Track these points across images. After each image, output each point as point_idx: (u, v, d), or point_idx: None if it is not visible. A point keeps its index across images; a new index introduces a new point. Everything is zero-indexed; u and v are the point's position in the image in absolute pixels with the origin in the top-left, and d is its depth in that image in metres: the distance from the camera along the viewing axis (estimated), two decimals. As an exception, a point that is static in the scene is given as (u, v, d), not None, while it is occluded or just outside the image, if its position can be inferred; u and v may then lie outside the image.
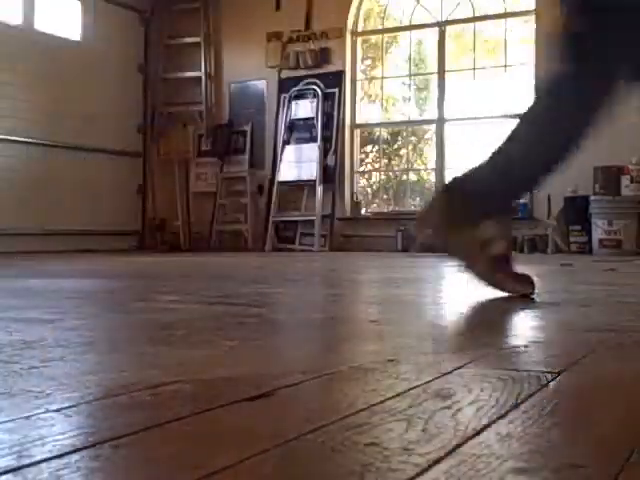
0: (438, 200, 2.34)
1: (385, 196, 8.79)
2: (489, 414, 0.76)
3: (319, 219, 7.83)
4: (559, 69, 2.10)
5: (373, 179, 8.99)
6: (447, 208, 2.24)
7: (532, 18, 7.51)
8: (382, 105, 8.83)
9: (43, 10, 7.61)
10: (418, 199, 8.74)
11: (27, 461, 0.59)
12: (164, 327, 1.51)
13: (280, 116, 8.32)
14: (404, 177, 8.73)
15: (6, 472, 0.56)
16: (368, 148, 9.03)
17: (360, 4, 8.38)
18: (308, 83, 8.25)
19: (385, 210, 8.48)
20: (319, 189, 7.89)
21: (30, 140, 7.43)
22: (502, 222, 2.24)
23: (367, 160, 9.05)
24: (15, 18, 7.40)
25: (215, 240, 8.59)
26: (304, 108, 8.22)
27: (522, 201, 7.31)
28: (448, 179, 2.49)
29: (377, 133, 8.86)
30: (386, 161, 8.99)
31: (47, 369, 1.00)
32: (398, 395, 0.85)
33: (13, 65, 7.25)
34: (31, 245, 7.14)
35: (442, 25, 8.13)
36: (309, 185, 8.06)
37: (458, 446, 0.64)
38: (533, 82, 7.42)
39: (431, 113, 8.43)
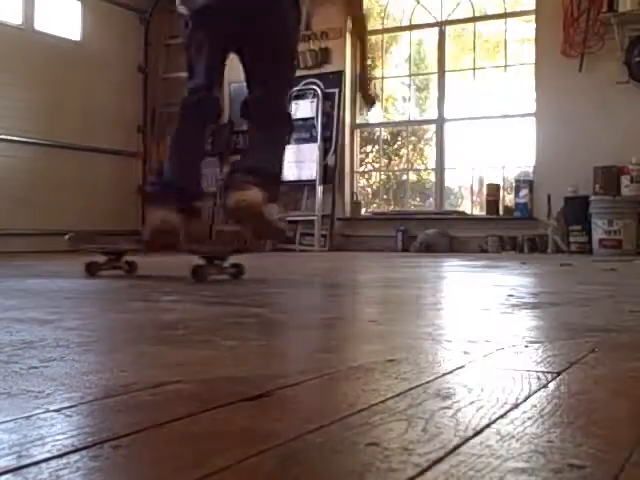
0: None
1: (385, 196, 8.79)
2: (489, 414, 0.76)
3: (319, 219, 7.83)
4: None
5: (373, 179, 8.99)
6: None
7: (532, 18, 7.51)
8: (382, 105, 8.83)
9: (43, 10, 7.61)
10: (418, 199, 8.75)
11: (27, 461, 0.59)
12: (164, 327, 1.51)
13: (280, 116, 8.30)
14: (404, 177, 8.73)
15: (6, 472, 0.56)
16: (368, 148, 9.03)
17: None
18: (308, 83, 8.24)
19: (385, 210, 8.48)
20: (319, 189, 7.89)
21: (30, 140, 7.43)
22: None
23: (367, 160, 9.05)
24: (15, 18, 7.39)
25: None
26: (304, 108, 8.22)
27: (522, 201, 7.32)
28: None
29: (377, 133, 8.86)
30: (386, 161, 8.99)
31: (47, 369, 1.00)
32: (398, 395, 0.85)
33: (13, 65, 7.25)
34: (31, 245, 7.14)
35: (442, 25, 8.13)
36: (309, 185, 8.06)
37: (458, 446, 0.64)
38: (533, 82, 7.43)
39: (431, 113, 8.43)
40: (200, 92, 3.19)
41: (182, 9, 3.14)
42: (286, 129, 3.45)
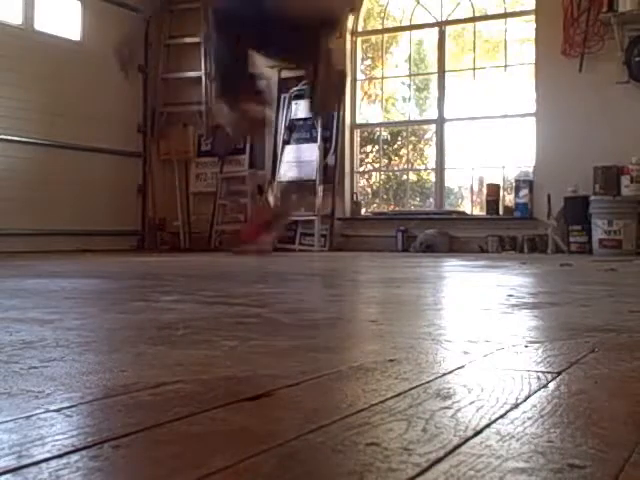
0: None
1: (385, 196, 8.79)
2: (489, 414, 0.76)
3: (319, 219, 7.83)
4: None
5: (373, 179, 8.99)
6: None
7: (532, 18, 7.51)
8: (382, 105, 8.83)
9: (43, 10, 7.61)
10: (418, 199, 8.75)
11: (27, 461, 0.59)
12: (164, 327, 1.51)
13: (280, 116, 8.31)
14: (404, 177, 8.74)
15: (6, 472, 0.56)
16: (368, 148, 9.03)
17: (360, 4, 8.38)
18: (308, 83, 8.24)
19: (385, 210, 8.48)
20: (319, 189, 7.89)
21: (30, 140, 7.43)
22: None
23: (367, 160, 9.05)
24: (15, 18, 7.39)
25: (215, 240, 8.59)
26: (304, 108, 8.21)
27: (522, 201, 7.32)
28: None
29: (377, 133, 8.86)
30: (386, 161, 8.99)
31: (47, 369, 1.00)
32: (398, 395, 0.85)
33: (13, 65, 7.25)
34: (31, 245, 7.14)
35: (442, 25, 8.13)
36: (309, 185, 8.06)
37: (458, 446, 0.64)
38: (533, 82, 7.43)
39: (431, 113, 8.43)
40: None
41: None
42: None
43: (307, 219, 7.97)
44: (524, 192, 7.30)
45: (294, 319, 1.74)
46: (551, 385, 0.92)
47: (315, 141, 8.04)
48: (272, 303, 2.20)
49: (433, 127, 8.32)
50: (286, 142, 8.22)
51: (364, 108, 8.74)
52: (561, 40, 7.05)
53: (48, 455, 0.61)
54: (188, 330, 1.45)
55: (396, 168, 8.95)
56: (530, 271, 4.04)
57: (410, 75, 8.64)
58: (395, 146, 9.13)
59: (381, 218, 8.15)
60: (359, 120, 8.56)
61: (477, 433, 0.69)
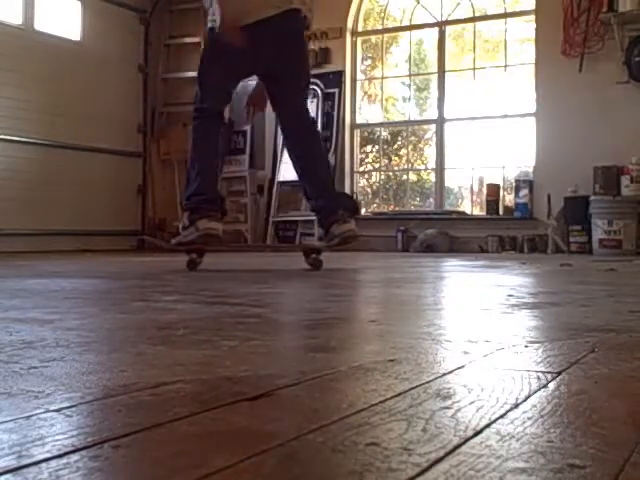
0: None
1: (385, 196, 8.79)
2: (489, 414, 0.76)
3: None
4: None
5: (373, 179, 8.99)
6: None
7: (532, 18, 7.51)
8: (382, 105, 8.83)
9: (43, 10, 7.61)
10: (418, 199, 8.75)
11: (27, 461, 0.59)
12: (164, 327, 1.51)
13: (280, 116, 8.30)
14: (404, 177, 8.74)
15: (6, 472, 0.56)
16: (368, 148, 9.03)
17: (360, 4, 8.38)
18: (308, 83, 8.24)
19: (385, 210, 8.48)
20: (319, 189, 7.87)
21: (30, 140, 7.43)
22: None
23: (367, 160, 9.05)
24: (15, 18, 7.39)
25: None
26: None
27: (522, 201, 7.32)
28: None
29: (377, 133, 8.86)
30: (386, 161, 8.99)
31: (47, 369, 1.00)
32: (398, 395, 0.85)
33: (13, 65, 7.25)
34: (31, 245, 7.14)
35: (442, 25, 8.13)
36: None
37: (458, 446, 0.64)
38: (533, 82, 7.43)
39: (431, 113, 8.43)
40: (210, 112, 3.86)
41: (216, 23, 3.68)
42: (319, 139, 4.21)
43: (307, 219, 7.97)
44: (524, 192, 7.30)
45: (294, 319, 1.74)
46: (551, 385, 0.92)
47: (315, 141, 8.03)
48: (272, 303, 2.20)
49: (433, 127, 8.33)
50: (286, 142, 8.21)
51: (364, 108, 8.74)
52: (561, 40, 7.06)
53: (48, 455, 0.60)
54: (188, 330, 1.45)
55: (396, 168, 8.95)
56: (530, 271, 4.04)
57: (410, 75, 8.64)
58: (395, 146, 9.13)
59: (381, 218, 8.15)
60: (359, 120, 8.56)
61: (477, 433, 0.69)
